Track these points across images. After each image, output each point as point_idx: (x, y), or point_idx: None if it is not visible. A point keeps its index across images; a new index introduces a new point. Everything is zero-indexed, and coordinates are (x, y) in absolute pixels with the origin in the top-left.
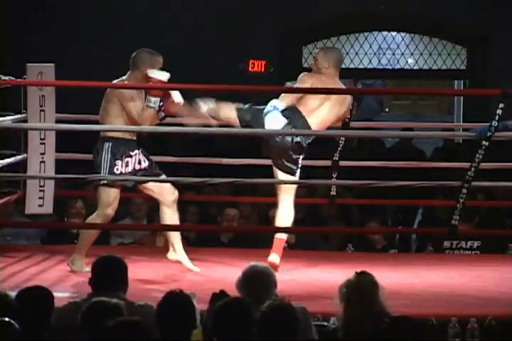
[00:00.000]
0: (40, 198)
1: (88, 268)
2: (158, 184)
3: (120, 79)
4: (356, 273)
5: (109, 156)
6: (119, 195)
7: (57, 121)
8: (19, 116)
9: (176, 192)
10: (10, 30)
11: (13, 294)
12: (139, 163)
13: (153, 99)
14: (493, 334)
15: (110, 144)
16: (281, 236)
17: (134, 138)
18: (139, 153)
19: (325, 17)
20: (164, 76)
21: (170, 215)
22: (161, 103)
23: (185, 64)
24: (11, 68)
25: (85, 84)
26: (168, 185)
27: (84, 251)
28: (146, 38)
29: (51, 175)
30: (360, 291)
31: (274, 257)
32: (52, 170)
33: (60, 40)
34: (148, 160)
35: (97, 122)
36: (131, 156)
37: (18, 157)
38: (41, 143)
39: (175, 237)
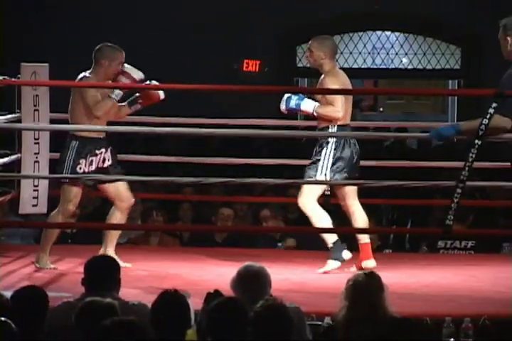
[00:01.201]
0: (34, 198)
1: (52, 265)
2: (115, 187)
3: (83, 73)
4: (365, 273)
5: (73, 155)
6: (81, 193)
7: (51, 121)
8: (13, 115)
9: (132, 200)
10: (9, 30)
11: (7, 294)
12: (103, 161)
13: (116, 91)
14: (487, 334)
15: (77, 143)
16: (366, 240)
17: (101, 136)
18: (105, 152)
19: (319, 17)
20: (138, 74)
21: (118, 220)
22: (137, 97)
23: (180, 63)
24: (10, 68)
25: (78, 84)
26: (126, 190)
27: (48, 248)
28: (144, 38)
29: (45, 175)
30: (366, 290)
31: (369, 262)
32: (46, 170)
33: (60, 40)
34: (113, 159)
35: None
36: (96, 155)
37: (12, 157)
38: (35, 143)
39: (112, 237)
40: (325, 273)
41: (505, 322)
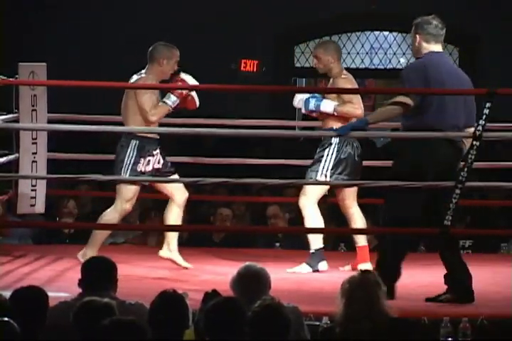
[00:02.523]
0: (32, 198)
1: None
2: (170, 184)
3: (139, 73)
4: (361, 270)
5: (134, 154)
6: (138, 192)
7: (49, 121)
8: (11, 115)
9: (187, 193)
10: (7, 30)
11: (5, 294)
12: (158, 162)
13: (174, 98)
14: (485, 334)
15: (137, 143)
16: (364, 243)
17: (157, 137)
18: (159, 153)
19: (317, 17)
20: (194, 82)
21: (177, 214)
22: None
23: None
24: (8, 68)
25: (77, 83)
26: (181, 184)
27: (97, 247)
28: (144, 38)
29: (43, 175)
30: (363, 289)
31: (365, 266)
32: (44, 170)
33: (59, 40)
34: (164, 159)
35: (90, 122)
36: (153, 155)
37: (10, 157)
38: (33, 143)
39: (173, 236)
40: (293, 273)
41: (503, 322)
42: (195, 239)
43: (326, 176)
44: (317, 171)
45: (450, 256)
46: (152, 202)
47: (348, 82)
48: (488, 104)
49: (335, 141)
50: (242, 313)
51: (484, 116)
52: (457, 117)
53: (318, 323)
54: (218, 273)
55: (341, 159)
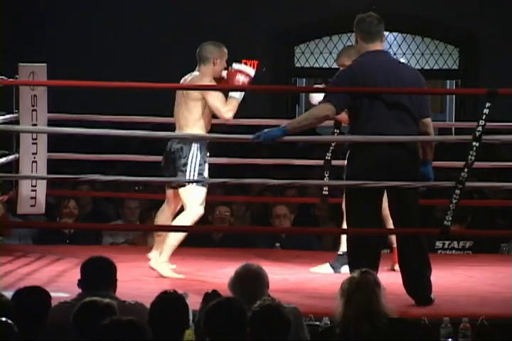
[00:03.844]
0: (32, 198)
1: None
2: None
3: (191, 74)
4: (360, 271)
5: (198, 158)
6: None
7: (49, 121)
8: (11, 115)
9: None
10: (7, 30)
11: (6, 294)
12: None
13: (240, 92)
14: (485, 334)
15: (198, 145)
16: None
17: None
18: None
19: (317, 17)
20: (251, 71)
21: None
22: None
23: (178, 63)
24: (8, 68)
25: (77, 83)
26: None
27: (171, 253)
28: (143, 37)
29: (43, 175)
30: (362, 289)
31: None
32: (44, 170)
33: (58, 41)
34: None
35: (89, 122)
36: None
37: (10, 157)
38: (33, 143)
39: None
40: (314, 273)
41: (504, 323)
42: (195, 238)
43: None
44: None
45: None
46: (152, 202)
47: None
48: (488, 104)
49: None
50: (242, 313)
51: (484, 116)
52: (388, 121)
53: (318, 323)
54: (218, 274)
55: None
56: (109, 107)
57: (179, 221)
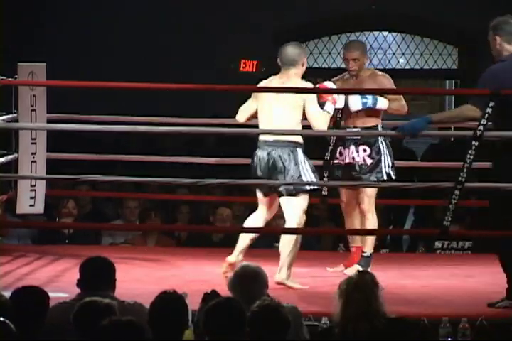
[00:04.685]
0: (31, 198)
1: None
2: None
3: (273, 77)
4: (358, 271)
5: (306, 162)
6: None
7: (49, 121)
8: (10, 115)
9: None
10: (6, 30)
11: (6, 294)
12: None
13: (331, 106)
14: (484, 334)
15: (301, 150)
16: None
17: None
18: None
19: (316, 17)
20: (331, 85)
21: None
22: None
23: (178, 63)
24: (7, 68)
25: (76, 84)
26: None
27: (293, 263)
28: (142, 38)
29: (42, 175)
30: (360, 289)
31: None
32: (43, 170)
33: (58, 40)
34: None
35: (89, 122)
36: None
37: (9, 157)
38: (32, 143)
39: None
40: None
41: (503, 323)
42: (195, 238)
43: (390, 174)
44: (381, 171)
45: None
46: (151, 203)
47: (387, 78)
48: (491, 104)
49: (381, 138)
50: (241, 313)
51: (487, 115)
52: None
53: (317, 323)
54: (218, 273)
55: (391, 156)
56: (109, 107)
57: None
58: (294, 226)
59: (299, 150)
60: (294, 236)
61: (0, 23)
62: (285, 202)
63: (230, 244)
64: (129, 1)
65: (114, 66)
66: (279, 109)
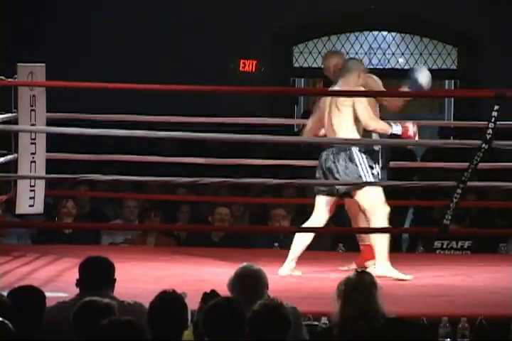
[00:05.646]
0: (30, 198)
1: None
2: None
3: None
4: (356, 271)
5: (364, 161)
6: None
7: (48, 121)
8: (9, 115)
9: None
10: (6, 30)
11: (5, 294)
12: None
13: (399, 128)
14: (484, 334)
15: (357, 149)
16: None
17: (377, 148)
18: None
19: (316, 17)
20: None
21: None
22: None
23: (178, 63)
24: (7, 68)
25: (76, 85)
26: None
27: (387, 257)
28: (142, 38)
29: (42, 175)
30: (359, 290)
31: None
32: (42, 170)
33: (60, 40)
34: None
35: (89, 121)
36: (372, 168)
37: (9, 157)
38: (32, 143)
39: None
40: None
41: (502, 323)
42: (194, 238)
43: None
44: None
45: None
46: (151, 202)
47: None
48: (496, 107)
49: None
50: (241, 313)
51: (493, 119)
52: None
53: (316, 323)
54: (217, 273)
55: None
56: (110, 107)
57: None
58: (376, 219)
59: (354, 149)
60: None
61: (0, 23)
62: (354, 201)
63: (230, 243)
64: (129, 1)
65: (113, 66)
66: (334, 114)
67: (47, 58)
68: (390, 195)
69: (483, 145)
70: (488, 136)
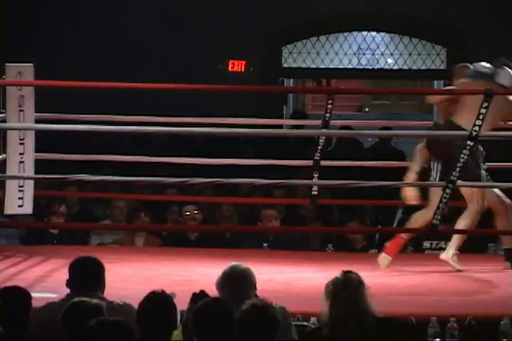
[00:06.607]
0: (19, 198)
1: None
2: (472, 190)
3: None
4: (343, 271)
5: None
6: None
7: (37, 121)
8: None
9: (485, 205)
10: (8, 30)
11: None
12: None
13: None
14: (473, 334)
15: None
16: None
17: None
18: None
19: (305, 17)
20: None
21: (470, 221)
22: None
23: (178, 63)
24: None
25: (65, 84)
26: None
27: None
28: (142, 38)
29: (30, 176)
30: (347, 289)
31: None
32: (31, 171)
33: (60, 40)
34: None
35: (78, 122)
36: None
37: None
38: (20, 144)
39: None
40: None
41: (491, 323)
42: (181, 239)
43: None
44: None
45: None
46: (140, 203)
47: None
48: (485, 104)
49: None
50: (230, 314)
51: (481, 116)
52: None
53: (305, 323)
54: (206, 274)
55: None
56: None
57: (463, 222)
58: (470, 218)
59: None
60: (470, 222)
61: (0, 23)
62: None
63: (206, 243)
64: (129, 2)
65: (113, 66)
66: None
67: (47, 58)
68: (378, 194)
69: (469, 142)
70: (473, 133)
